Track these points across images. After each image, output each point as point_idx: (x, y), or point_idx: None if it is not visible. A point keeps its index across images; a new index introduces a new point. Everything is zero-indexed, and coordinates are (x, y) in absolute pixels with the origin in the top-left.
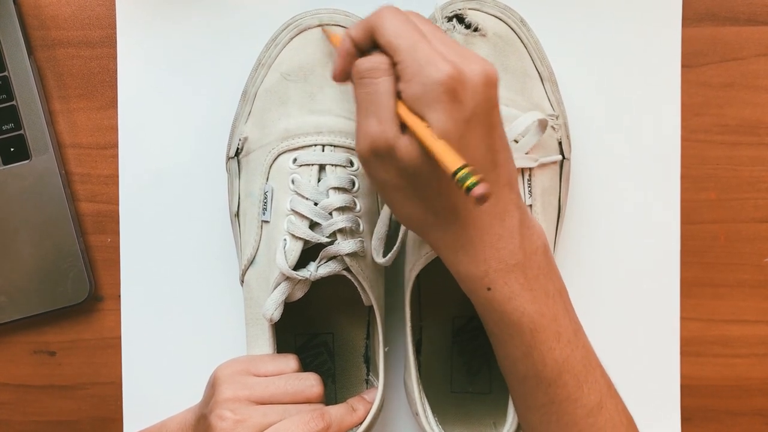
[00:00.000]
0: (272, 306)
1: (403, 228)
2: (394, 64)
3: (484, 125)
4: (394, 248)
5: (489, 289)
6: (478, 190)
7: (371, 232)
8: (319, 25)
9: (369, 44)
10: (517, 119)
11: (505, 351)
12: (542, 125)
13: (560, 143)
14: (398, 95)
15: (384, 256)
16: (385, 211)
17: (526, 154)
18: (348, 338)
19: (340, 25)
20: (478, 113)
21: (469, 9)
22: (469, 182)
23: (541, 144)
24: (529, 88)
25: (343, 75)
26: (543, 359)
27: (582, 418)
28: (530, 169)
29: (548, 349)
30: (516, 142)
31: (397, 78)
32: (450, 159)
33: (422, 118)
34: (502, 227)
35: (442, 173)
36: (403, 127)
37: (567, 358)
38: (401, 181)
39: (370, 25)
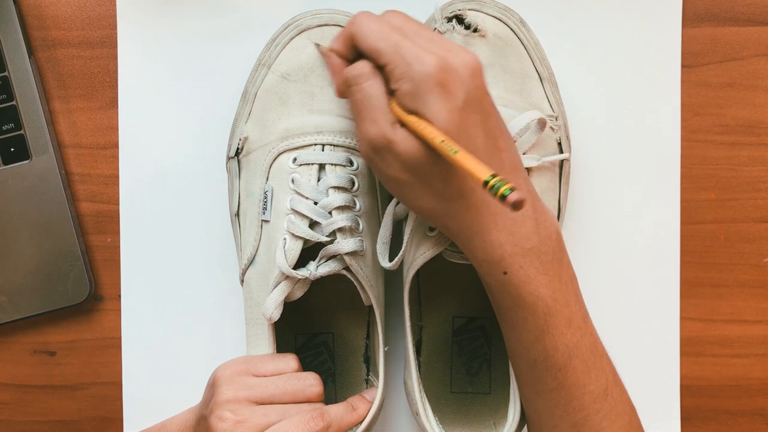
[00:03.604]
0: (272, 305)
1: (408, 232)
2: (381, 67)
3: (478, 113)
4: (400, 253)
5: (505, 273)
6: (513, 196)
7: (371, 232)
8: (318, 27)
9: (353, 53)
10: (515, 118)
11: (518, 335)
12: (541, 124)
13: (560, 144)
14: (391, 95)
15: (390, 260)
16: (388, 215)
17: (524, 153)
18: (348, 338)
19: (340, 26)
20: (470, 102)
21: (469, 10)
22: (503, 190)
23: (540, 144)
24: (528, 89)
25: (344, 91)
26: (555, 344)
27: (589, 403)
28: (529, 169)
29: (560, 333)
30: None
31: (385, 80)
32: (477, 169)
33: (417, 113)
34: (514, 212)
35: (444, 162)
36: (400, 123)
37: (577, 344)
38: (406, 175)
39: (348, 35)
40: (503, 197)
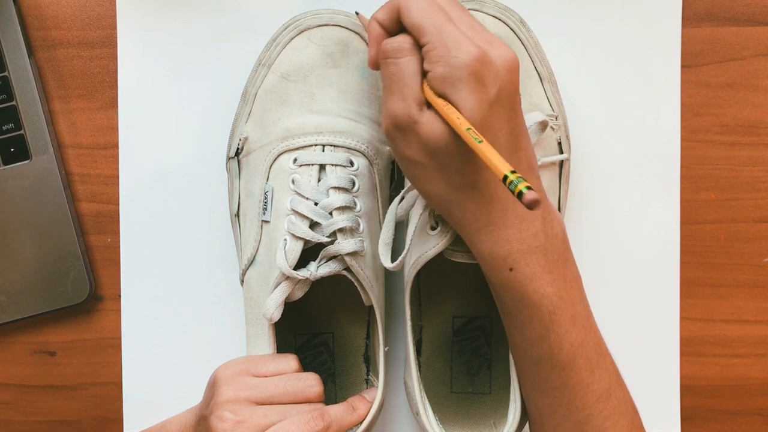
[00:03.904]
0: (272, 306)
1: (410, 232)
2: (420, 46)
3: (506, 109)
4: (404, 253)
5: (511, 269)
6: (530, 196)
7: (371, 232)
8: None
9: (396, 26)
10: None
11: (522, 333)
12: (542, 126)
13: (559, 143)
14: (424, 75)
15: (392, 260)
16: (390, 216)
17: None
18: (348, 338)
19: (340, 26)
20: (501, 97)
21: (469, 9)
22: (520, 187)
23: (540, 144)
24: (528, 89)
25: (377, 61)
26: (559, 342)
27: (592, 403)
28: None
29: (565, 332)
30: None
31: (422, 59)
32: (499, 162)
33: (447, 98)
34: (525, 209)
35: (464, 151)
36: (428, 105)
37: (582, 343)
38: (424, 157)
39: (395, 7)
40: (520, 194)
